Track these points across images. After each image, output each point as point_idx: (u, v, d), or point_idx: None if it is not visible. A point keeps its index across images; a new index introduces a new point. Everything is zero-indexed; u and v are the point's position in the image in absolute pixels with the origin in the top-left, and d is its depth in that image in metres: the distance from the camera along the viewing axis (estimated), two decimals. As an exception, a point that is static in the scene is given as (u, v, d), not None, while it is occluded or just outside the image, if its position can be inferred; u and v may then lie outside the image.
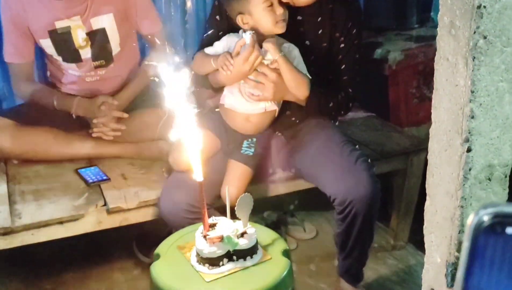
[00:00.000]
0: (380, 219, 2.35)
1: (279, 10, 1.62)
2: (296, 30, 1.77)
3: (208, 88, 1.85)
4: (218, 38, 1.76)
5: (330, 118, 1.92)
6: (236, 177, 1.75)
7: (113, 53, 2.15)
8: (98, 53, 2.12)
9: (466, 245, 0.40)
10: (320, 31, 1.78)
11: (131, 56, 2.26)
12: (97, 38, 2.09)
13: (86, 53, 2.12)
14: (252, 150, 1.78)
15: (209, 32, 1.81)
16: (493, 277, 0.42)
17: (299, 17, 1.77)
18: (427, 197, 1.08)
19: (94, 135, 2.09)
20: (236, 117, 1.78)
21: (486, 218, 0.40)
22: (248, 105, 1.75)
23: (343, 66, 1.82)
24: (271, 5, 1.62)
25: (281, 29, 1.65)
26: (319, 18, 1.77)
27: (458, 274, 0.42)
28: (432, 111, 1.02)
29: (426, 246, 1.12)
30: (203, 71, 1.76)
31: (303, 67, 1.72)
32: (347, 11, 1.77)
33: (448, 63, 0.96)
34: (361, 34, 1.85)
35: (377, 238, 2.36)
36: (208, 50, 1.75)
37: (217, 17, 1.78)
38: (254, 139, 1.79)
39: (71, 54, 2.12)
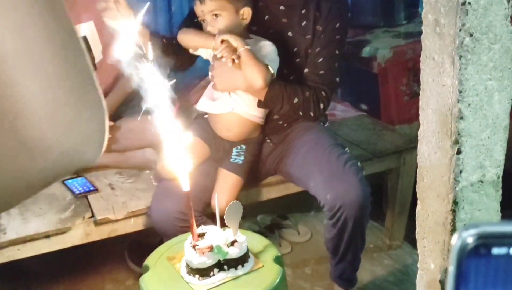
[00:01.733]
0: (375, 219, 2.33)
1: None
2: (279, 20, 1.75)
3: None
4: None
5: (308, 120, 1.85)
6: (226, 187, 1.71)
7: (96, 61, 2.12)
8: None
9: (451, 269, 0.38)
10: (304, 23, 1.76)
11: (114, 64, 2.22)
12: None
13: None
14: (242, 158, 1.75)
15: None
16: None
17: (282, 7, 1.75)
18: (418, 202, 1.05)
19: None
20: (218, 124, 1.76)
21: (470, 240, 0.37)
22: (215, 105, 1.73)
23: (320, 59, 1.77)
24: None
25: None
26: (303, 10, 1.75)
27: None
28: (419, 112, 0.99)
29: (419, 251, 1.09)
30: (190, 45, 1.75)
31: (271, 59, 1.68)
32: (332, 4, 1.74)
33: (434, 63, 0.93)
34: (346, 30, 1.81)
35: (372, 238, 2.34)
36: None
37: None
38: (244, 147, 1.76)
39: None
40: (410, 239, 2.38)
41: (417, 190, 1.05)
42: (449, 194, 0.95)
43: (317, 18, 1.74)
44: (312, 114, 1.77)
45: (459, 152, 0.93)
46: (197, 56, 1.85)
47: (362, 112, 2.48)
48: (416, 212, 1.07)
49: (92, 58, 2.09)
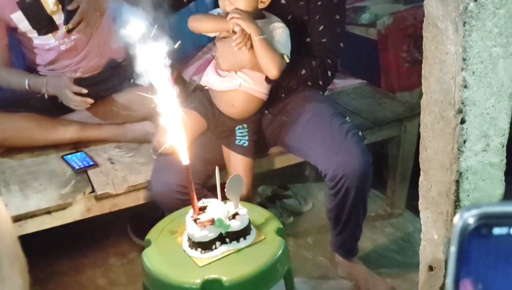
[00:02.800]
0: (376, 187, 2.32)
1: None
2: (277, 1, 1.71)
3: None
4: None
5: (316, 89, 1.84)
6: (240, 170, 1.70)
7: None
8: (68, 15, 2.05)
9: (453, 250, 0.38)
10: (301, 2, 1.72)
11: (103, 20, 2.19)
12: None
13: (59, 18, 2.07)
14: (247, 138, 1.74)
15: None
16: (483, 281, 0.40)
17: None
18: (421, 172, 1.03)
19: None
20: (221, 101, 1.73)
21: (471, 221, 0.38)
22: (222, 82, 1.69)
23: (322, 27, 1.74)
24: None
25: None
26: None
27: (448, 280, 0.40)
28: (422, 81, 0.96)
29: (422, 222, 1.09)
30: (203, 28, 1.70)
31: (285, 45, 1.65)
32: None
33: (437, 30, 0.90)
34: None
35: (373, 206, 2.34)
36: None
37: None
38: (246, 126, 1.74)
39: (45, 23, 2.06)
40: (412, 207, 2.38)
41: (420, 160, 1.03)
42: (452, 164, 0.93)
43: None
44: (321, 82, 1.79)
45: (463, 121, 0.91)
46: None
47: (362, 80, 2.45)
48: (419, 183, 1.06)
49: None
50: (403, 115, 2.15)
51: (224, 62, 1.66)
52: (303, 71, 1.72)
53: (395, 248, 2.17)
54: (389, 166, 2.32)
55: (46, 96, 2.04)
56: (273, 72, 1.61)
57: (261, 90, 1.71)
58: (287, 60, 1.63)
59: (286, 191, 2.46)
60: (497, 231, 0.38)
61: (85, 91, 2.00)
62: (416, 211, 2.32)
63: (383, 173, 2.33)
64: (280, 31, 1.65)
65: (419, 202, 1.07)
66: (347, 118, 1.82)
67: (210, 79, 1.72)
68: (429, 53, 0.93)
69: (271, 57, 1.59)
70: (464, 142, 0.92)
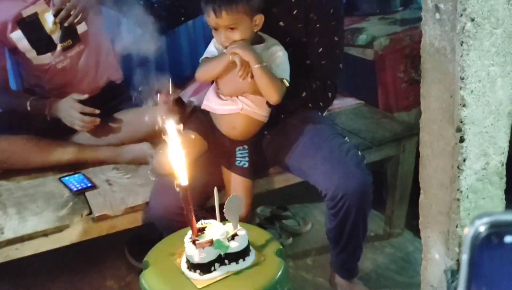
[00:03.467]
0: (375, 207, 2.31)
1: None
2: (269, 11, 1.71)
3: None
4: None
5: (316, 110, 1.85)
6: (240, 192, 1.68)
7: (79, 32, 2.10)
8: (64, 33, 2.07)
9: (464, 258, 0.38)
10: (295, 11, 1.72)
11: (100, 38, 2.19)
12: (64, 18, 2.03)
13: (58, 37, 2.08)
14: (247, 159, 1.73)
15: None
16: (495, 288, 0.39)
17: None
18: (421, 191, 1.03)
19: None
20: (222, 123, 1.73)
21: (482, 229, 0.38)
22: (223, 105, 1.69)
23: (321, 49, 1.75)
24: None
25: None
26: None
27: (460, 288, 0.39)
28: (421, 100, 0.96)
29: (422, 241, 1.08)
30: (211, 74, 1.69)
31: (284, 69, 1.66)
32: None
33: (435, 50, 0.90)
34: (341, 15, 1.78)
35: (373, 226, 2.32)
36: (206, 55, 1.72)
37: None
38: (246, 147, 1.73)
39: (45, 42, 2.07)
40: (411, 226, 2.37)
41: (419, 179, 1.03)
42: (452, 183, 0.93)
43: (309, 5, 1.71)
44: (321, 104, 1.82)
45: (462, 140, 0.91)
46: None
47: (360, 100, 2.46)
48: (419, 202, 1.05)
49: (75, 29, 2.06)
50: (402, 135, 2.16)
51: (225, 87, 1.66)
52: (304, 94, 1.73)
53: (395, 268, 2.15)
54: (388, 185, 2.31)
55: (48, 118, 2.04)
56: (274, 98, 1.62)
57: (262, 113, 1.71)
58: (287, 84, 1.64)
59: (285, 212, 2.45)
60: (508, 239, 0.38)
61: (97, 111, 2.01)
62: (416, 231, 2.32)
63: (382, 192, 2.33)
64: (279, 55, 1.65)
65: (419, 221, 1.07)
66: (346, 138, 1.83)
67: (211, 103, 1.72)
68: (427, 73, 0.94)
69: (271, 84, 1.60)
70: (464, 160, 0.92)
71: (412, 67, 2.43)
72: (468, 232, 0.39)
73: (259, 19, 1.61)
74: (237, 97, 1.68)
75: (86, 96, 2.03)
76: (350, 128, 2.21)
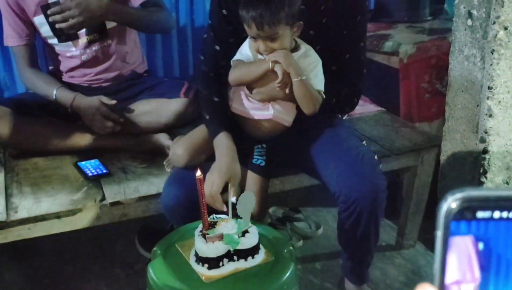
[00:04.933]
0: (389, 216, 2.29)
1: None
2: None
3: None
4: (225, 32, 1.69)
5: (340, 114, 1.85)
6: (254, 189, 1.66)
7: (108, 26, 2.10)
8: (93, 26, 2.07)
9: (438, 234, 0.39)
10: (324, 20, 1.70)
11: (127, 32, 2.20)
12: None
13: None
14: (264, 157, 1.71)
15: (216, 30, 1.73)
16: None
17: (302, 7, 1.69)
18: (439, 201, 1.00)
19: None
20: (247, 124, 1.70)
21: (454, 205, 0.39)
22: (255, 110, 1.67)
23: (347, 55, 1.73)
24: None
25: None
26: (323, 6, 1.69)
27: (435, 266, 0.40)
28: (445, 108, 0.94)
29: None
30: (248, 80, 1.63)
31: (321, 80, 1.63)
32: None
33: (464, 57, 0.88)
34: (366, 21, 1.76)
35: (385, 236, 2.30)
36: (240, 57, 1.66)
37: (224, 11, 1.70)
38: (264, 145, 1.72)
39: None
40: (424, 239, 2.34)
41: (437, 189, 1.01)
42: (472, 195, 0.90)
43: (338, 13, 1.69)
44: (348, 109, 1.82)
45: (485, 151, 0.88)
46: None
47: (381, 108, 2.43)
48: (437, 213, 1.03)
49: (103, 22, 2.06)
50: (422, 146, 2.12)
51: (259, 93, 1.62)
52: (333, 100, 1.71)
53: (404, 281, 2.12)
54: (403, 196, 2.28)
55: (69, 110, 2.05)
56: (311, 110, 1.61)
57: (290, 119, 1.68)
58: (324, 96, 1.62)
59: (297, 214, 2.43)
60: (480, 214, 0.39)
61: (122, 120, 2.01)
62: (428, 244, 2.30)
63: (397, 202, 2.30)
64: (316, 64, 1.62)
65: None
66: (364, 141, 1.80)
67: (242, 107, 1.68)
68: (454, 80, 0.91)
69: (309, 97, 1.58)
70: (485, 173, 0.89)
71: (437, 78, 2.40)
72: (441, 207, 0.40)
73: (298, 26, 1.58)
74: (269, 102, 1.67)
75: (114, 102, 2.02)
76: (369, 134, 2.18)
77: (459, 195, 0.39)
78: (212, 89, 1.72)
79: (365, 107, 2.38)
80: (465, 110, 0.89)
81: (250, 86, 1.63)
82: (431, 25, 2.66)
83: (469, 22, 0.87)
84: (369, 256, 1.77)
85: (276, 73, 1.55)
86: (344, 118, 1.94)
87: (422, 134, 2.22)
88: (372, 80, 1.93)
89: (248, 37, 1.60)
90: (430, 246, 2.32)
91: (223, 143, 1.61)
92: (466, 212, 0.39)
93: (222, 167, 1.58)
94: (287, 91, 1.57)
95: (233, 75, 1.64)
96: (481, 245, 0.39)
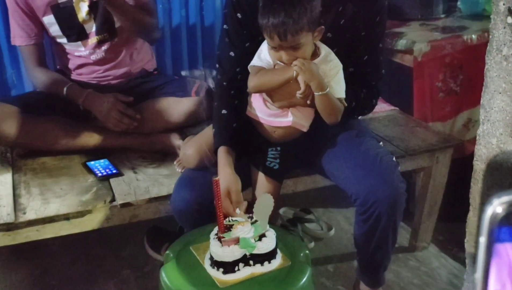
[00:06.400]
0: (402, 218, 2.24)
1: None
2: None
3: None
4: (241, 36, 1.65)
5: (359, 115, 1.80)
6: (266, 192, 1.61)
7: (116, 25, 2.07)
8: (101, 26, 2.05)
9: (482, 240, 0.36)
10: (342, 21, 1.65)
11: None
12: (99, 9, 2.02)
13: (90, 27, 2.06)
14: (278, 161, 1.65)
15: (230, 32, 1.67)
16: None
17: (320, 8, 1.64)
18: (470, 207, 0.96)
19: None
20: (263, 127, 1.63)
21: (500, 209, 0.36)
22: (273, 116, 1.60)
23: (366, 56, 1.69)
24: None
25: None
26: (340, 8, 1.63)
27: (478, 273, 0.37)
28: (480, 110, 0.90)
29: (467, 261, 1.01)
30: (269, 87, 1.55)
31: (342, 87, 1.56)
32: None
33: (503, 56, 0.84)
34: (385, 21, 1.72)
35: (398, 237, 2.26)
36: (259, 63, 1.57)
37: (238, 15, 1.64)
38: (279, 149, 1.66)
39: (75, 30, 2.05)
40: (437, 241, 2.30)
41: (470, 195, 0.96)
42: (508, 202, 0.86)
43: (356, 14, 1.63)
44: (366, 111, 1.77)
45: (523, 156, 0.85)
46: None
47: (394, 107, 2.39)
48: (467, 219, 0.99)
49: (112, 22, 2.05)
50: (436, 146, 2.08)
51: (279, 100, 1.56)
52: (353, 104, 1.66)
53: (418, 283, 2.08)
54: (417, 197, 2.24)
55: (81, 107, 2.02)
56: (333, 120, 1.54)
57: (307, 124, 1.62)
58: (345, 104, 1.56)
59: (309, 215, 2.39)
60: None
61: (138, 116, 1.98)
62: (441, 246, 2.26)
63: (410, 203, 2.25)
64: (337, 70, 1.54)
65: (465, 240, 1.00)
66: (381, 143, 1.76)
67: (260, 114, 1.61)
68: (491, 81, 0.87)
69: (332, 108, 1.51)
70: (523, 178, 0.85)
71: (451, 77, 2.35)
72: (486, 212, 0.37)
73: (320, 31, 1.52)
74: (288, 108, 1.60)
75: (131, 98, 2.01)
76: (383, 134, 2.14)
77: (505, 198, 0.36)
78: (222, 101, 1.66)
79: (378, 106, 2.32)
80: (503, 113, 0.85)
81: (270, 92, 1.57)
82: (444, 23, 2.61)
83: (509, 19, 0.83)
84: (387, 260, 1.73)
85: (298, 81, 1.48)
86: (359, 117, 1.90)
87: (436, 134, 2.18)
88: (385, 79, 1.88)
89: (267, 44, 1.54)
90: (444, 248, 2.28)
91: (221, 157, 1.58)
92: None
93: (220, 179, 1.52)
94: (308, 102, 1.51)
95: (254, 82, 1.55)
96: None
